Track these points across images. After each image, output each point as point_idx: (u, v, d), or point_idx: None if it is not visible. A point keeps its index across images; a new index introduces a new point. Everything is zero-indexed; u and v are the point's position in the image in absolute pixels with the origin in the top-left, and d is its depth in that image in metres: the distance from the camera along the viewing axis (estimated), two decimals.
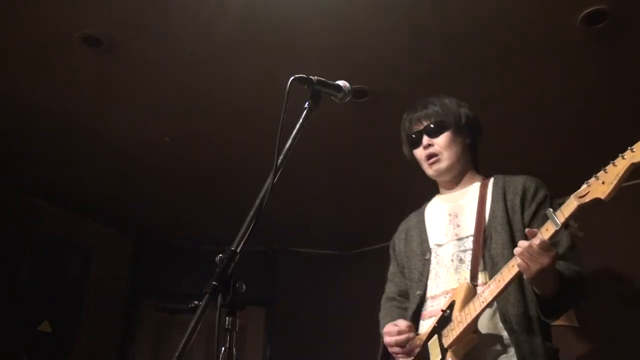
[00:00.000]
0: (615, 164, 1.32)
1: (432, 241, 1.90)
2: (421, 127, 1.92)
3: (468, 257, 1.75)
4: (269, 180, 1.20)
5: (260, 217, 1.15)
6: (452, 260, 1.79)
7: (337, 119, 3.15)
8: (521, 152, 3.54)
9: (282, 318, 4.98)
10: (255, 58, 2.82)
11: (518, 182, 1.83)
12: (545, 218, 1.69)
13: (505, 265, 1.53)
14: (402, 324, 1.76)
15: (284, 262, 5.12)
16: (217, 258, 1.09)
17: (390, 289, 2.07)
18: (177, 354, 0.95)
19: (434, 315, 1.74)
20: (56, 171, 4.02)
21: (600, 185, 1.33)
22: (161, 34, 2.67)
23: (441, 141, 1.89)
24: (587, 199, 1.36)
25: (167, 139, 3.57)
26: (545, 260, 1.44)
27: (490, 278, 1.63)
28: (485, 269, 1.70)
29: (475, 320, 1.58)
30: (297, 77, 1.36)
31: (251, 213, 1.15)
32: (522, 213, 1.76)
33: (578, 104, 3.06)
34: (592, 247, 3.71)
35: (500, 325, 1.64)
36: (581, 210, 1.38)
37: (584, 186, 1.37)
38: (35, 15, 2.55)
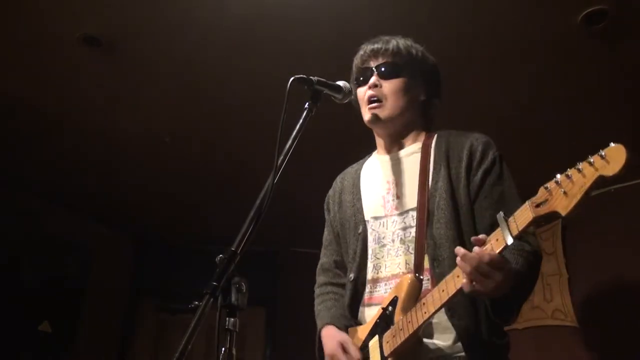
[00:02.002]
0: (582, 171, 1.06)
1: (367, 213, 1.67)
2: (373, 64, 1.67)
3: (409, 236, 1.54)
4: (269, 180, 1.20)
5: (261, 217, 1.15)
6: (393, 240, 1.57)
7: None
8: (520, 151, 3.53)
9: (282, 318, 4.98)
10: (255, 58, 2.82)
11: (463, 145, 1.57)
12: (494, 190, 1.48)
13: (451, 274, 1.30)
14: (354, 355, 1.52)
15: (284, 262, 5.12)
16: (217, 258, 1.08)
17: (326, 259, 1.84)
18: (177, 354, 0.95)
19: (376, 303, 1.56)
20: (56, 171, 4.01)
21: (562, 197, 1.08)
22: (161, 34, 2.67)
23: (390, 86, 1.63)
24: (544, 211, 1.11)
25: (167, 139, 3.57)
26: (497, 278, 1.21)
27: (432, 261, 1.46)
28: (427, 250, 1.49)
29: (418, 330, 1.37)
30: (297, 78, 1.35)
31: (251, 213, 1.15)
32: (468, 184, 1.52)
33: (577, 103, 3.06)
34: (591, 247, 3.73)
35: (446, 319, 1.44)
36: (537, 221, 1.14)
37: (542, 191, 1.13)
38: (35, 15, 2.55)
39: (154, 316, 5.06)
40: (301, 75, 1.37)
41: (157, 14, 2.54)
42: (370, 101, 1.63)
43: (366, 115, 1.65)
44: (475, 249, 1.23)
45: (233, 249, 1.09)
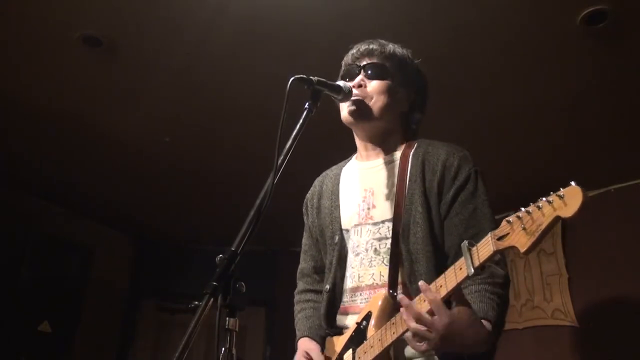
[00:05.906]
0: (542, 209, 1.09)
1: (344, 222, 1.64)
2: (363, 62, 1.63)
3: (384, 247, 1.52)
4: (269, 180, 1.20)
5: (261, 217, 1.14)
6: (367, 250, 1.55)
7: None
8: (518, 150, 3.54)
9: (282, 318, 4.97)
10: (255, 58, 2.82)
11: (439, 157, 1.54)
12: (466, 208, 1.48)
13: (399, 315, 1.32)
14: None
15: (284, 262, 5.12)
16: (217, 258, 1.08)
17: (305, 264, 1.82)
18: (177, 354, 0.95)
19: (352, 312, 1.55)
20: (56, 171, 4.01)
21: (522, 232, 1.11)
22: (161, 34, 2.67)
23: (375, 85, 1.60)
24: (504, 245, 1.15)
25: (167, 139, 3.57)
26: (434, 336, 1.22)
27: (409, 277, 1.46)
28: (403, 264, 1.48)
29: (388, 348, 1.38)
30: (298, 78, 1.35)
31: (251, 213, 1.15)
32: (440, 200, 1.50)
33: (577, 104, 3.06)
34: (590, 246, 3.73)
35: None
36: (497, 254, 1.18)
37: (505, 224, 1.16)
38: (35, 15, 2.55)
39: (154, 316, 5.06)
40: (301, 75, 1.36)
41: (157, 14, 2.54)
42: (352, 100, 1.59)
43: (344, 111, 1.60)
44: (411, 302, 1.27)
45: (233, 249, 1.09)
